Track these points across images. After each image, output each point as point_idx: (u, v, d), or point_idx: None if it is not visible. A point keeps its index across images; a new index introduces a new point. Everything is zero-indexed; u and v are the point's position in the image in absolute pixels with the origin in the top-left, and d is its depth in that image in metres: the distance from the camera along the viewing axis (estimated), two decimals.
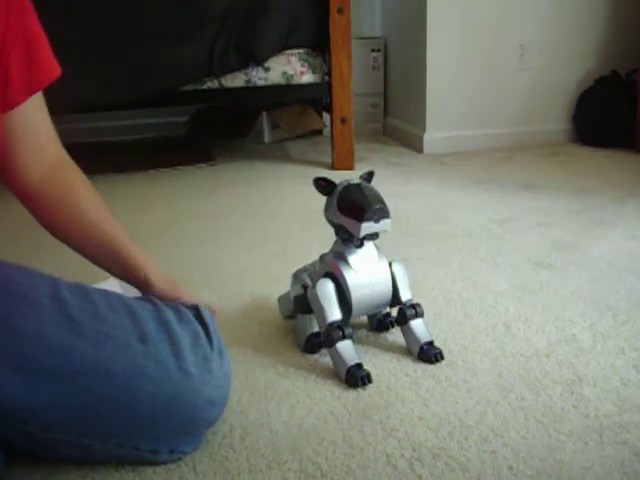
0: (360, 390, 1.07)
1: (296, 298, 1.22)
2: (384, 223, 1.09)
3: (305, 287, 1.20)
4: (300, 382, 1.11)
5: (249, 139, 3.31)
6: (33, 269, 0.88)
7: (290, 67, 2.58)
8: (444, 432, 0.96)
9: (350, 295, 1.13)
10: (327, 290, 1.13)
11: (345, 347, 1.11)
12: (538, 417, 0.98)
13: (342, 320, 1.13)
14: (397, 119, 3.33)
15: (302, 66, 2.59)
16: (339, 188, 1.13)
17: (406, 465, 0.89)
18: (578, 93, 3.04)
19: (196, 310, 0.95)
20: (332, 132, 2.66)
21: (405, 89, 3.21)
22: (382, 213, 1.09)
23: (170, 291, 1.00)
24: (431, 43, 2.87)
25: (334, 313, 1.12)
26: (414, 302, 1.18)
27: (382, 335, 1.27)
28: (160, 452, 0.89)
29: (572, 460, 0.88)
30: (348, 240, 1.14)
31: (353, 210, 1.09)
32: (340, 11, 2.51)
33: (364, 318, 1.30)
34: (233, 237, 1.90)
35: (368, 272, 1.14)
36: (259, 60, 2.52)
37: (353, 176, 1.16)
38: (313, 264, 1.23)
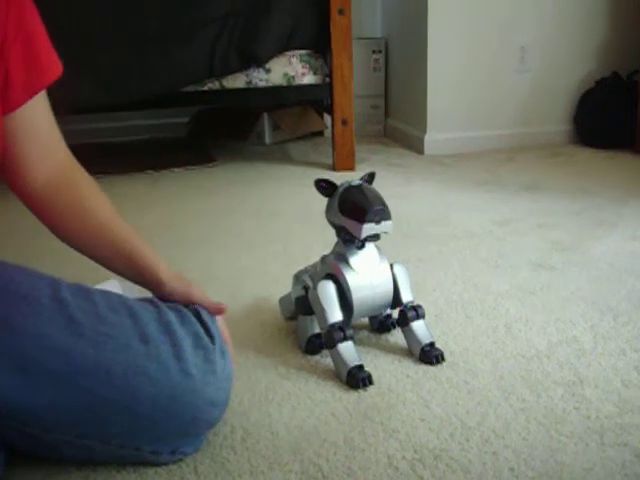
0: (361, 391, 1.07)
1: (297, 299, 1.22)
2: (385, 224, 1.09)
3: (306, 288, 1.20)
4: (301, 383, 1.11)
5: (250, 140, 3.31)
6: (34, 270, 0.88)
7: (291, 68, 2.58)
8: (445, 433, 0.95)
9: (351, 296, 1.13)
10: (328, 291, 1.13)
11: (346, 348, 1.11)
12: (539, 418, 0.98)
13: (343, 321, 1.13)
14: (398, 120, 3.33)
15: (303, 67, 2.59)
16: (340, 189, 1.13)
17: (407, 466, 0.89)
18: (579, 94, 3.04)
19: (196, 312, 0.95)
20: (333, 133, 2.66)
21: (406, 90, 3.21)
22: (383, 214, 1.09)
23: (181, 289, 0.99)
24: (432, 44, 2.87)
25: (335, 314, 1.12)
26: (415, 303, 1.18)
27: (383, 336, 1.27)
28: (161, 453, 0.89)
29: (573, 461, 0.88)
30: (349, 241, 1.14)
31: (354, 211, 1.09)
32: (341, 12, 2.51)
33: (365, 319, 1.30)
34: (234, 238, 1.90)
35: (369, 273, 1.14)
36: (260, 61, 2.52)
37: (354, 177, 1.16)
38: (314, 265, 1.23)
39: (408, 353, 1.19)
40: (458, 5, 2.85)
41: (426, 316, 1.19)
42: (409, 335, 1.18)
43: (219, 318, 0.99)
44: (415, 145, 3.05)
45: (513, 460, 0.89)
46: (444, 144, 2.96)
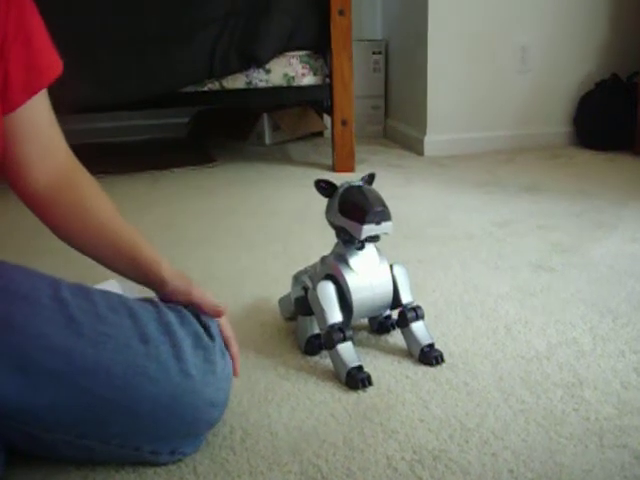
0: (360, 392, 1.07)
1: (297, 300, 1.22)
2: (385, 225, 1.09)
3: (306, 289, 1.20)
4: (300, 384, 1.11)
5: (250, 141, 3.31)
6: (34, 270, 0.88)
7: (291, 69, 2.58)
8: (445, 434, 0.96)
9: (351, 297, 1.13)
10: (328, 292, 1.13)
11: (346, 349, 1.11)
12: (538, 420, 0.98)
13: (343, 322, 1.13)
14: (398, 121, 3.33)
15: (303, 68, 2.59)
16: (340, 190, 1.13)
17: (407, 467, 0.89)
18: (579, 96, 3.04)
19: (195, 312, 0.95)
20: (333, 134, 2.66)
21: (406, 91, 3.21)
22: (383, 215, 1.09)
23: (183, 287, 0.98)
24: (432, 45, 2.87)
25: (335, 315, 1.12)
26: (415, 304, 1.18)
27: (383, 337, 1.27)
28: (161, 453, 0.89)
29: (572, 463, 0.88)
30: (349, 242, 1.14)
31: (354, 212, 1.09)
32: (341, 13, 2.51)
33: (365, 320, 1.30)
34: (233, 238, 1.90)
35: (369, 274, 1.14)
36: (260, 62, 2.52)
37: (354, 178, 1.16)
38: (314, 266, 1.23)
39: (407, 354, 1.19)
40: (458, 7, 2.85)
41: (426, 317, 1.19)
42: (409, 336, 1.18)
43: (223, 317, 0.98)
44: (415, 146, 3.05)
45: (512, 461, 0.89)
46: (444, 145, 2.96)
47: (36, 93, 0.92)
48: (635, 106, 2.81)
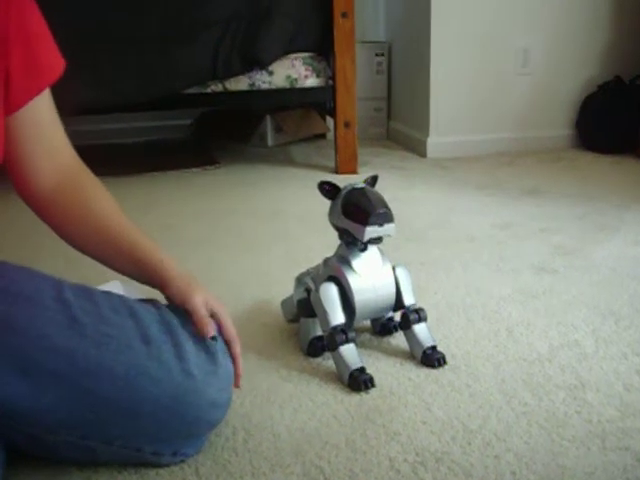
0: (363, 394, 1.07)
1: (299, 302, 1.22)
2: (388, 227, 1.09)
3: (308, 291, 1.20)
4: (303, 386, 1.11)
5: (252, 142, 3.31)
6: (36, 270, 0.88)
7: (294, 71, 2.58)
8: (447, 436, 0.96)
9: (353, 299, 1.13)
10: (330, 294, 1.13)
11: (348, 351, 1.11)
12: (541, 422, 0.98)
13: (345, 324, 1.13)
14: (401, 123, 3.33)
15: (306, 70, 2.59)
16: (343, 192, 1.13)
17: (409, 469, 0.89)
18: (581, 99, 3.04)
19: None
20: (336, 136, 2.66)
21: (409, 93, 3.21)
22: (386, 217, 1.09)
23: (183, 287, 0.95)
24: (435, 48, 2.88)
25: (337, 317, 1.12)
26: (417, 306, 1.18)
27: (385, 339, 1.27)
28: (163, 454, 0.89)
29: (575, 465, 0.88)
30: (352, 244, 1.14)
31: (357, 214, 1.09)
32: (344, 15, 2.51)
33: (367, 322, 1.30)
34: (236, 239, 1.90)
35: (372, 276, 1.14)
36: (263, 64, 2.52)
37: (356, 180, 1.16)
38: (316, 268, 1.23)
39: (410, 356, 1.19)
40: (461, 9, 2.86)
41: (428, 319, 1.19)
42: (411, 338, 1.18)
43: (227, 318, 0.97)
44: (417, 148, 3.05)
45: (515, 464, 0.89)
46: (446, 147, 2.96)
47: (37, 94, 0.92)
48: (638, 109, 2.81)
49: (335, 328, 1.11)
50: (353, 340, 1.12)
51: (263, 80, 2.57)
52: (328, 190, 1.15)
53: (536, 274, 1.56)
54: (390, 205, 1.10)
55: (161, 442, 0.89)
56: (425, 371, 1.14)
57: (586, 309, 1.37)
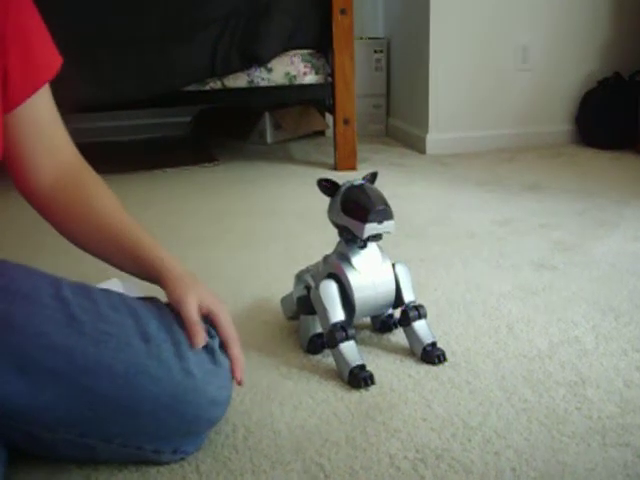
0: (363, 391, 1.07)
1: (299, 299, 1.22)
2: (388, 224, 1.09)
3: (308, 288, 1.20)
4: (303, 383, 1.11)
5: (251, 140, 3.31)
6: (35, 268, 0.88)
7: (293, 68, 2.58)
8: (447, 433, 0.95)
9: (353, 296, 1.13)
10: (330, 291, 1.13)
11: (348, 348, 1.11)
12: (541, 419, 0.98)
13: (345, 321, 1.13)
14: (400, 120, 3.33)
15: (305, 67, 2.59)
16: (343, 189, 1.13)
17: (409, 466, 0.89)
18: (581, 94, 3.04)
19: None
20: (335, 133, 2.66)
21: (408, 90, 3.21)
22: (386, 214, 1.08)
23: (178, 290, 0.93)
24: (434, 44, 2.87)
25: (337, 314, 1.12)
26: (417, 303, 1.18)
27: (385, 336, 1.27)
28: (163, 452, 0.89)
29: (575, 462, 0.88)
30: (351, 241, 1.14)
31: (357, 211, 1.09)
32: (343, 12, 2.51)
33: (367, 319, 1.30)
34: (235, 237, 1.90)
35: (371, 273, 1.14)
36: (262, 61, 2.52)
37: (356, 177, 1.16)
38: (316, 265, 1.23)
39: (410, 353, 1.19)
40: (460, 5, 2.85)
41: (428, 316, 1.19)
42: (411, 335, 1.18)
43: (226, 316, 0.96)
44: (417, 145, 3.05)
45: (515, 460, 0.89)
46: (446, 144, 2.96)
47: (35, 91, 0.92)
48: (637, 104, 2.81)
49: (335, 325, 1.11)
50: (353, 337, 1.12)
51: (262, 77, 2.57)
52: (327, 187, 1.15)
53: (536, 270, 1.56)
54: (390, 202, 1.10)
55: (161, 440, 0.89)
56: (425, 368, 1.14)
57: (586, 305, 1.36)
